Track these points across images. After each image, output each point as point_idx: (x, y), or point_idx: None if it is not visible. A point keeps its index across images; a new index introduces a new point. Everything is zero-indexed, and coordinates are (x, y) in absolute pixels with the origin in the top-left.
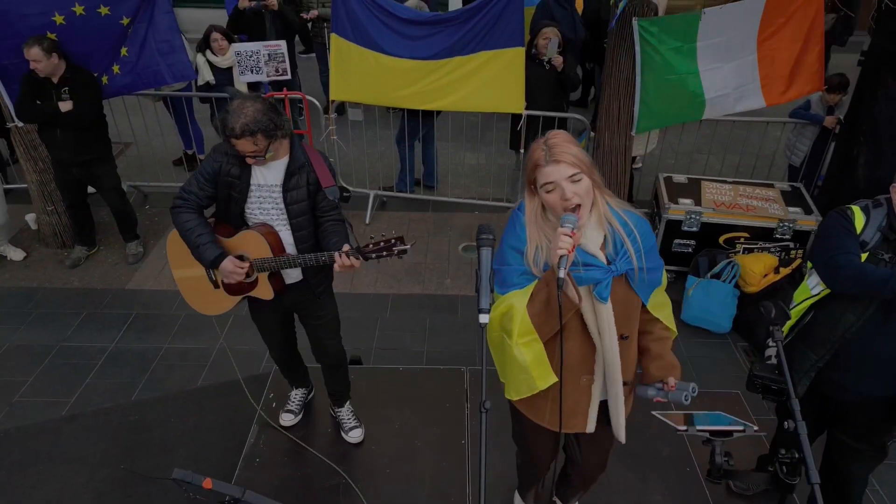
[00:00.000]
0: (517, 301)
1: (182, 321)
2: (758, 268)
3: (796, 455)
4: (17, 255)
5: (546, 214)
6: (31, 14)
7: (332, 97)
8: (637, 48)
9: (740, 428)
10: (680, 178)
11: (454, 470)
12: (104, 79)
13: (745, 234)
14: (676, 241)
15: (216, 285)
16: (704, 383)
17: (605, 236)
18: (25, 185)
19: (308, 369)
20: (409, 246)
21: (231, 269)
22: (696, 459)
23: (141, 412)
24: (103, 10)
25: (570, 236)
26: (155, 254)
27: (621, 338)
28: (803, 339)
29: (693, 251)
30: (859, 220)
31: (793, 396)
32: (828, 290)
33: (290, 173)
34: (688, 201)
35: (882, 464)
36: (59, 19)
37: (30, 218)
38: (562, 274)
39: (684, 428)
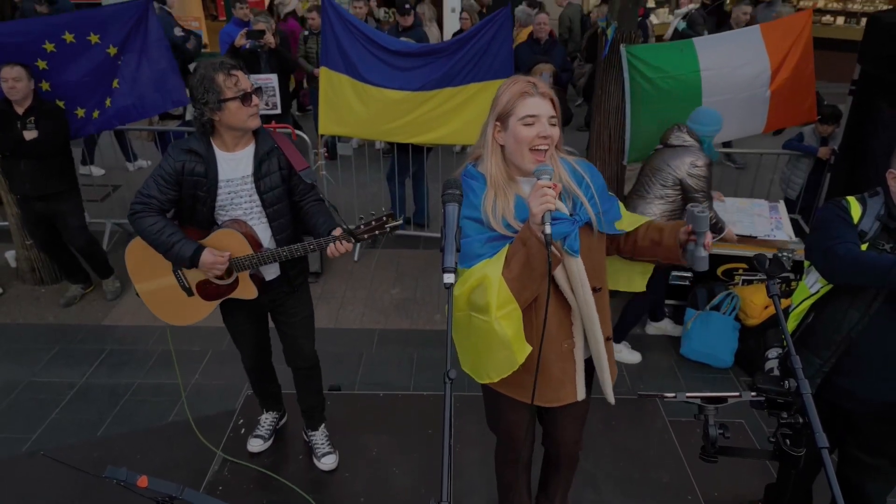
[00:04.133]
0: (490, 270)
1: (158, 356)
2: (758, 299)
3: (800, 420)
4: None
5: (505, 160)
6: (23, 42)
7: (320, 131)
8: (626, 76)
9: (735, 393)
10: None
11: (433, 498)
12: (95, 113)
13: (744, 266)
14: (673, 272)
15: (190, 292)
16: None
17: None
18: (7, 223)
19: (282, 394)
20: (400, 221)
21: (212, 260)
22: (699, 487)
23: (105, 449)
24: (93, 39)
25: (552, 188)
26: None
27: (594, 290)
28: (805, 342)
29: (691, 283)
30: (856, 210)
31: (793, 353)
32: (827, 288)
33: (259, 160)
34: None
35: None
36: (49, 47)
37: (9, 255)
38: (548, 229)
39: (672, 395)
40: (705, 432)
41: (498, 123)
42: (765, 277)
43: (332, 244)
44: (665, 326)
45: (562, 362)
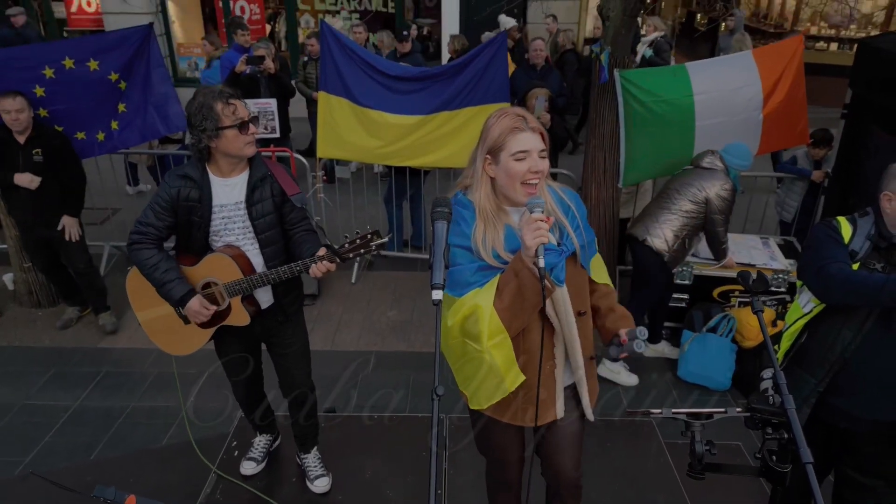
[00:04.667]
0: (482, 300)
1: (153, 379)
2: (755, 321)
3: (785, 435)
4: None
5: (495, 193)
6: (23, 67)
7: (319, 154)
8: (620, 100)
9: (721, 409)
10: None
11: None
12: (100, 135)
13: (740, 287)
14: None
15: (186, 320)
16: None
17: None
18: (5, 246)
19: (275, 417)
20: (385, 239)
21: (196, 309)
22: None
23: (98, 472)
24: (92, 65)
25: (545, 221)
26: (132, 313)
27: (578, 314)
28: (799, 361)
29: (687, 305)
30: (846, 230)
31: (777, 369)
32: (820, 307)
33: (252, 187)
34: None
35: None
36: (49, 73)
37: (7, 278)
38: (542, 262)
39: (658, 411)
40: (692, 448)
41: (489, 157)
42: (762, 299)
43: (315, 266)
44: (662, 349)
45: (546, 383)
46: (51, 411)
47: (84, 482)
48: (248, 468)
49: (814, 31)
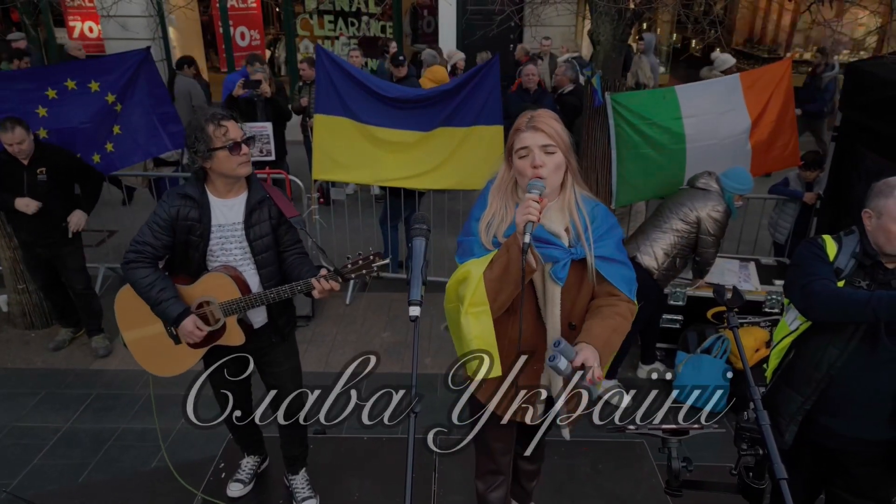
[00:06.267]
0: (474, 267)
1: (144, 401)
2: (749, 342)
3: (760, 451)
4: None
5: (515, 189)
6: (26, 89)
7: (314, 176)
8: (611, 122)
9: (696, 425)
10: None
11: None
12: (96, 157)
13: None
14: (664, 315)
15: (177, 340)
16: (698, 460)
17: (568, 221)
18: (0, 268)
19: (264, 438)
20: (387, 260)
21: (190, 329)
22: None
23: (85, 495)
24: (94, 86)
25: (538, 202)
26: None
27: (570, 327)
28: (787, 380)
29: (681, 327)
30: (831, 247)
31: (752, 384)
32: (807, 325)
33: (250, 209)
34: None
35: None
36: (51, 94)
37: (1, 300)
38: (527, 238)
39: (633, 427)
40: (668, 465)
41: (510, 156)
42: (755, 320)
43: (318, 283)
44: (657, 368)
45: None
46: (41, 433)
47: None
48: (235, 490)
49: (807, 56)
